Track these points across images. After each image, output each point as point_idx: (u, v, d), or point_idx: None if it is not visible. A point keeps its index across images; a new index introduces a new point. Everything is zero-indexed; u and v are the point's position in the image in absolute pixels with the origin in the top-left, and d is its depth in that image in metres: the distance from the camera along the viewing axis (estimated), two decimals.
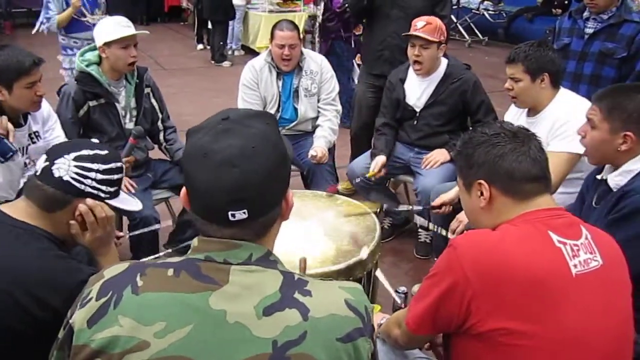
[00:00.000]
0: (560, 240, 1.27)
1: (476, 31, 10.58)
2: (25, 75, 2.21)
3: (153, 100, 2.96)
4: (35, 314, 1.25)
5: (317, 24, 4.67)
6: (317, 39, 4.68)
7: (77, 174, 1.38)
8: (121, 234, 2.24)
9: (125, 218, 2.84)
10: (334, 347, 0.92)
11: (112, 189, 1.46)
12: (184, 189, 1.02)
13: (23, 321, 1.25)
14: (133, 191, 2.71)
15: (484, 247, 1.27)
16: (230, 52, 9.09)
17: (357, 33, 4.80)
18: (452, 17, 9.10)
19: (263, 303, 0.92)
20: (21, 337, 1.26)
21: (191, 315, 0.91)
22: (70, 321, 0.97)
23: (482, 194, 1.39)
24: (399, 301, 2.23)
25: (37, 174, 1.40)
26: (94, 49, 2.73)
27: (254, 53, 8.89)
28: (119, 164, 1.47)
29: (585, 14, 3.02)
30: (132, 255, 2.73)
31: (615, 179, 1.81)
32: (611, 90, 1.87)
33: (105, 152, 1.45)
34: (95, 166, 1.40)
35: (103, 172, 1.42)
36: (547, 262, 1.24)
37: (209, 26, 8.96)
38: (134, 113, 2.86)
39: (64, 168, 1.37)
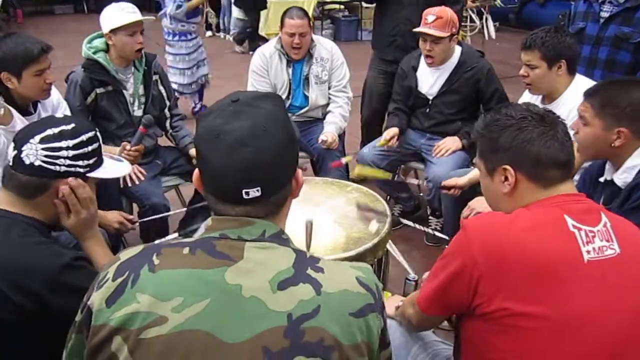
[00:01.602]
0: (575, 225, 1.25)
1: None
2: (34, 62, 2.19)
3: (161, 87, 2.94)
4: (17, 302, 1.23)
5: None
6: None
7: (46, 156, 1.33)
8: (131, 216, 2.24)
9: (135, 205, 2.84)
10: (346, 322, 0.94)
11: (90, 161, 1.41)
12: (196, 171, 1.05)
13: (5, 309, 1.23)
14: (142, 178, 2.72)
15: (494, 229, 1.26)
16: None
17: None
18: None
19: (277, 278, 0.94)
20: (6, 326, 1.24)
21: (208, 290, 0.93)
22: (89, 303, 0.98)
23: (506, 179, 1.36)
24: (410, 289, 2.23)
25: (10, 163, 1.35)
26: (102, 35, 2.71)
27: (262, 40, 8.84)
28: (90, 134, 1.41)
29: None
30: (142, 242, 2.74)
31: (621, 177, 1.80)
32: (602, 86, 1.84)
33: (72, 125, 1.38)
34: (64, 143, 1.35)
35: (74, 147, 1.37)
36: (558, 246, 1.23)
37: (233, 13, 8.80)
38: (142, 100, 2.85)
39: (32, 153, 1.33)
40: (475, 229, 1.27)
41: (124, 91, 2.76)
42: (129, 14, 2.66)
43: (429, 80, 3.13)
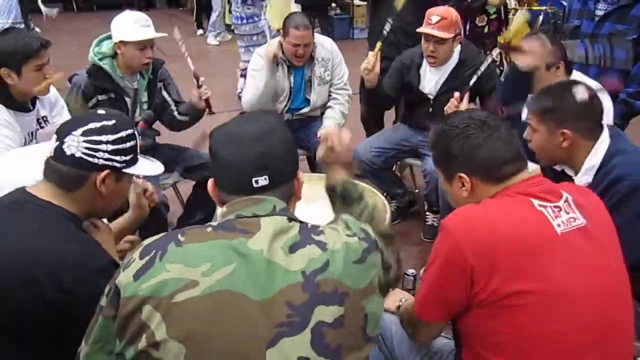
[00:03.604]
0: (540, 204, 1.34)
1: None
2: (34, 57, 2.18)
3: (164, 94, 2.92)
4: (49, 293, 1.25)
5: None
6: None
7: (87, 148, 1.38)
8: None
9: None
10: (353, 270, 1.07)
11: (127, 157, 1.45)
12: (211, 180, 1.20)
13: (36, 298, 1.25)
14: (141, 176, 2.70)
15: (472, 218, 1.33)
16: (216, 42, 8.80)
17: (479, 24, 4.29)
18: None
19: (287, 243, 1.07)
20: (29, 315, 1.26)
21: (233, 255, 1.04)
22: (116, 282, 1.04)
23: (463, 185, 1.45)
24: (408, 284, 2.24)
25: (51, 154, 1.41)
26: (110, 37, 2.67)
27: None
28: (129, 131, 1.46)
29: None
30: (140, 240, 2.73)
31: (582, 179, 1.86)
32: (540, 94, 1.93)
33: (113, 121, 1.43)
34: (104, 138, 1.40)
35: (113, 142, 1.41)
36: (533, 224, 1.31)
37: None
38: (145, 107, 2.83)
39: (74, 145, 1.38)
40: (454, 224, 1.33)
41: (126, 98, 2.74)
42: (142, 28, 2.60)
43: (431, 79, 3.12)
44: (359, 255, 1.10)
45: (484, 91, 3.05)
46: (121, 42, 2.60)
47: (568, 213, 1.34)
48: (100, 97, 2.67)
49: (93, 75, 2.64)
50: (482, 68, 2.77)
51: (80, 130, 1.39)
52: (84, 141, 1.38)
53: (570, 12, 3.12)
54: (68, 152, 1.38)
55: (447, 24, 2.88)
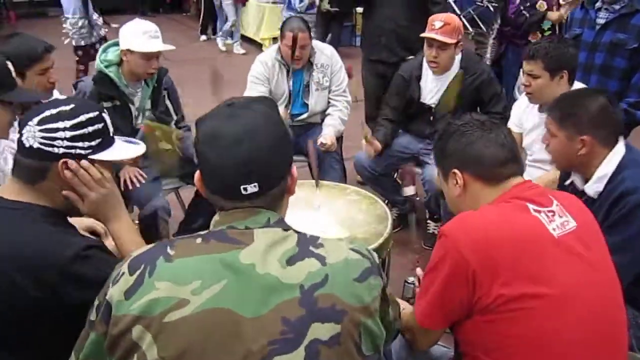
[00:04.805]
0: (535, 209, 1.36)
1: (480, 24, 10.51)
2: (39, 61, 2.20)
3: (167, 102, 2.93)
4: (32, 294, 1.21)
5: (496, 27, 4.51)
6: (491, 42, 4.55)
7: (44, 137, 1.28)
8: None
9: (136, 207, 2.84)
10: (352, 287, 1.03)
11: (92, 143, 1.33)
12: (197, 172, 1.11)
13: (22, 301, 1.21)
14: (143, 181, 2.72)
15: (472, 225, 1.34)
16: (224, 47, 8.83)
17: (533, 41, 4.04)
18: (456, 8, 9.03)
19: (285, 256, 1.02)
20: (21, 318, 1.23)
21: (224, 271, 0.99)
22: (107, 298, 1.01)
23: (456, 182, 1.47)
24: (408, 292, 2.24)
25: (16, 148, 1.34)
26: (117, 44, 2.69)
27: (253, 43, 8.81)
28: (90, 115, 1.32)
29: (598, 4, 2.99)
30: None
31: (593, 187, 1.85)
32: (561, 99, 1.94)
33: (72, 106, 1.31)
34: (61, 124, 1.28)
35: (72, 127, 1.29)
36: (531, 229, 1.33)
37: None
38: (148, 114, 2.85)
39: (31, 135, 1.28)
40: (454, 230, 1.34)
41: (131, 105, 2.75)
42: (151, 39, 2.62)
43: (432, 89, 3.12)
44: (358, 273, 1.04)
45: (485, 99, 3.07)
46: (128, 50, 2.62)
47: (561, 217, 1.37)
48: (105, 104, 2.68)
49: (99, 83, 2.66)
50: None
51: (36, 120, 1.28)
52: (40, 130, 1.28)
53: (572, 21, 3.14)
54: (27, 144, 1.28)
55: (450, 30, 2.90)
